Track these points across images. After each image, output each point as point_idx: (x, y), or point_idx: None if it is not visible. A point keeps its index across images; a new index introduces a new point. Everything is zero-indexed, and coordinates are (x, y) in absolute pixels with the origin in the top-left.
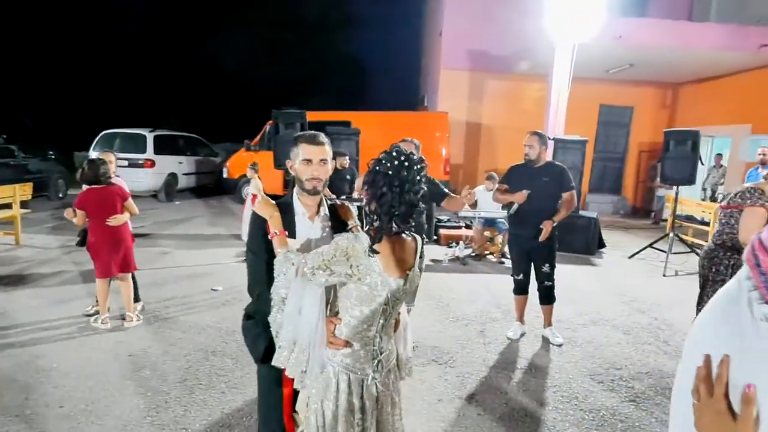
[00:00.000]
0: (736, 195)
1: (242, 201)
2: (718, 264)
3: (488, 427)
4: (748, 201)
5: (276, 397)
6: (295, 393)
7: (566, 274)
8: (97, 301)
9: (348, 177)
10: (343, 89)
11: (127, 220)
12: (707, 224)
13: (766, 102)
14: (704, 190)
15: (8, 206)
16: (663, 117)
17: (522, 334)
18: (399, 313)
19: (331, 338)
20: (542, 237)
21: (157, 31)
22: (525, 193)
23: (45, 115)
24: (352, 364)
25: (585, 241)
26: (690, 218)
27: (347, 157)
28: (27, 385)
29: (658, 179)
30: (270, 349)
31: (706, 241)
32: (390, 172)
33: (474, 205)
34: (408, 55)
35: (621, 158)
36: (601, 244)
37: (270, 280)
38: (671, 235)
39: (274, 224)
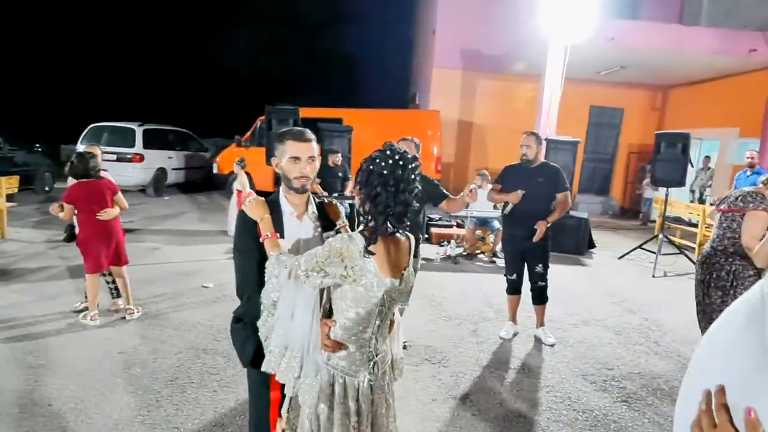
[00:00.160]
0: (737, 199)
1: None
2: (719, 269)
3: (483, 427)
4: (751, 205)
5: (266, 400)
6: (284, 397)
7: (557, 274)
8: (86, 297)
9: (340, 174)
10: (335, 86)
11: (117, 214)
12: (695, 226)
13: (754, 106)
14: (692, 192)
15: None
16: (653, 119)
17: (515, 334)
18: (393, 314)
19: (325, 341)
20: (536, 237)
21: (147, 23)
22: (520, 193)
23: (31, 106)
24: (347, 367)
25: (575, 242)
26: (678, 220)
27: (339, 155)
28: (15, 383)
29: (646, 181)
30: (259, 352)
31: (694, 243)
32: (384, 172)
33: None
34: (400, 53)
35: (610, 159)
36: (591, 245)
37: (260, 281)
38: (660, 236)
39: (265, 226)
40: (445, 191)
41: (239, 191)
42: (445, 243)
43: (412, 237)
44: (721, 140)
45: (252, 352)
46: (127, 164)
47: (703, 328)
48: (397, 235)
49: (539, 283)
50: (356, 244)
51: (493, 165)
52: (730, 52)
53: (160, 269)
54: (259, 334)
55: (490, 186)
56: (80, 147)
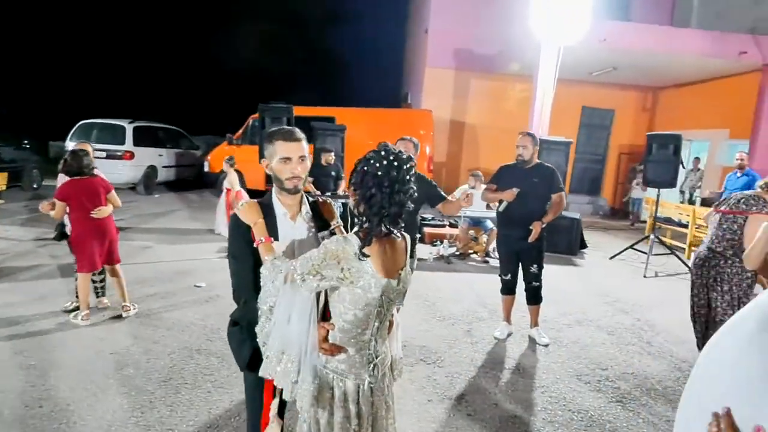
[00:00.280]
0: (739, 201)
1: None
2: (721, 272)
3: (479, 428)
4: (754, 208)
5: (263, 404)
6: (282, 403)
7: (550, 274)
8: (77, 296)
9: (333, 173)
10: (327, 85)
11: (111, 212)
12: (685, 226)
13: (744, 108)
14: (682, 192)
15: None
16: (643, 120)
17: (509, 334)
18: (392, 314)
19: (324, 344)
20: (531, 238)
21: (137, 19)
22: (515, 190)
23: (20, 102)
24: (347, 370)
25: (568, 242)
26: (668, 220)
27: (332, 154)
28: (4, 384)
29: (636, 181)
30: (255, 356)
31: (684, 243)
32: (379, 173)
33: None
34: (393, 52)
35: (601, 160)
36: (583, 245)
37: (256, 285)
38: (651, 236)
39: (259, 231)
40: (442, 193)
41: (228, 189)
42: (438, 243)
43: (407, 237)
44: (711, 141)
45: (248, 356)
46: (117, 161)
47: (698, 331)
48: (393, 235)
49: (534, 283)
50: (352, 245)
51: (485, 165)
52: (721, 54)
53: (151, 268)
54: (257, 340)
55: (483, 186)
56: (69, 144)
